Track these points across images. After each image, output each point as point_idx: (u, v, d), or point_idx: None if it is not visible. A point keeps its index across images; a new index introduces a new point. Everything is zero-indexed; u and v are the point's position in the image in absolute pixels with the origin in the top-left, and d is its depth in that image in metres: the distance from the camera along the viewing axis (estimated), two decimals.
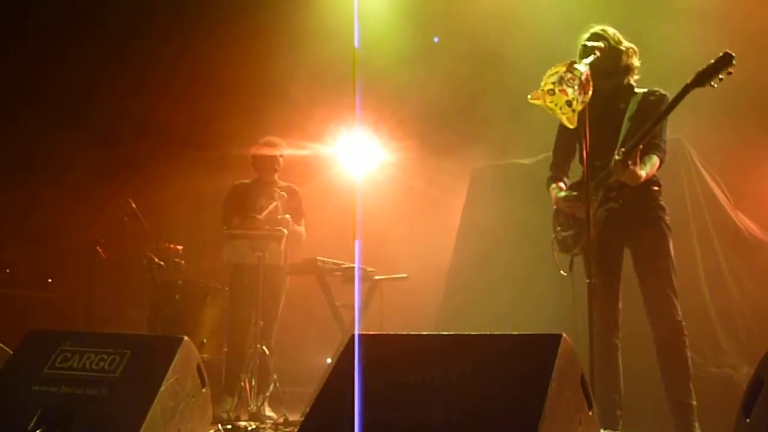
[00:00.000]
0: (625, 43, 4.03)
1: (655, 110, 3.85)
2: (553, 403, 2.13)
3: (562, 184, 4.23)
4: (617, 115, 3.99)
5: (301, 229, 5.94)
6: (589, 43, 3.84)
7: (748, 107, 5.66)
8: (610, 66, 3.97)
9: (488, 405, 2.22)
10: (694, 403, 3.71)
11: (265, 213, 5.66)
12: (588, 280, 3.54)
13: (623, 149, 3.70)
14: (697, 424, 3.67)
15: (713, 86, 3.55)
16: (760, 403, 2.16)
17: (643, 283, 3.90)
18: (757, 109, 5.70)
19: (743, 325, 5.22)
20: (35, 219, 7.46)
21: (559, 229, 4.14)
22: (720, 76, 3.53)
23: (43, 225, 7.47)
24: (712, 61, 3.53)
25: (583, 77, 3.55)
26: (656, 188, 3.98)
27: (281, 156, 6.06)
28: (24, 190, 7.43)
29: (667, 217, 3.95)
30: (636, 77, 4.08)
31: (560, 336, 2.26)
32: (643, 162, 3.80)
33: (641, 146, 3.71)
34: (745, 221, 5.65)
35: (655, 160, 3.88)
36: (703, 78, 3.56)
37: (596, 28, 4.03)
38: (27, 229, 7.52)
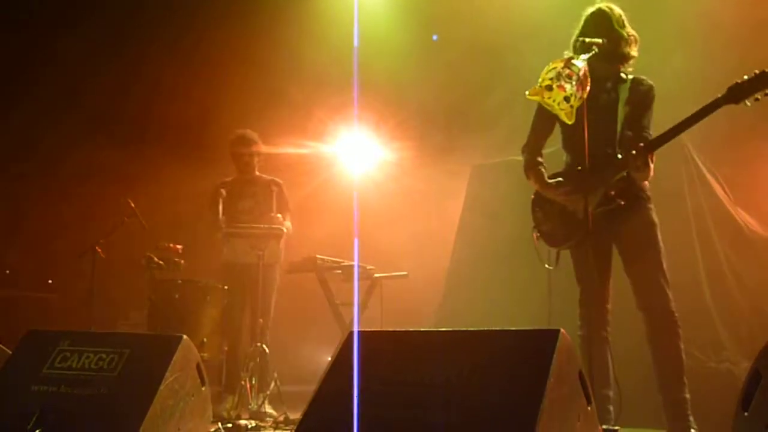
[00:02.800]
0: (628, 30, 3.88)
1: (646, 100, 3.81)
2: (552, 398, 2.12)
3: (544, 171, 4.05)
4: (610, 103, 3.87)
5: (288, 224, 5.92)
6: (588, 39, 3.78)
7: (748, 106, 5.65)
8: (607, 51, 3.79)
9: (486, 401, 2.22)
10: (688, 396, 3.59)
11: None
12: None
13: (642, 144, 3.58)
14: (692, 418, 3.57)
15: (747, 104, 3.38)
16: (758, 397, 2.16)
17: (631, 273, 3.78)
18: (756, 104, 5.67)
19: (743, 321, 5.22)
20: (35, 220, 7.47)
21: (541, 217, 3.98)
22: (756, 96, 3.35)
23: (42, 226, 7.47)
24: (746, 77, 3.36)
25: (581, 73, 3.53)
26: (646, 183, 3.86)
27: (257, 152, 6.03)
28: (23, 191, 7.43)
29: (651, 206, 3.83)
30: (629, 68, 3.94)
31: (558, 331, 2.25)
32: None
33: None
34: (744, 217, 5.64)
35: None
36: (737, 94, 3.38)
37: (602, 5, 3.89)
38: (27, 230, 7.52)
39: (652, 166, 3.60)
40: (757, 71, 3.35)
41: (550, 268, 3.52)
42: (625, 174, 3.72)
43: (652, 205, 3.85)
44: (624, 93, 3.87)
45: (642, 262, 3.76)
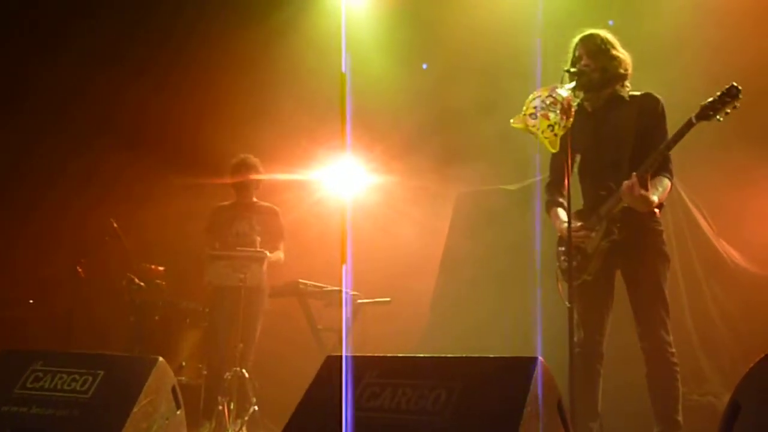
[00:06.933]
0: (617, 51, 3.85)
1: (653, 116, 3.75)
2: (528, 427, 2.09)
3: (561, 210, 3.96)
4: (614, 131, 3.84)
5: (280, 253, 5.90)
6: (573, 69, 3.80)
7: (732, 135, 5.68)
8: (598, 77, 3.82)
9: (464, 429, 2.18)
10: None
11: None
12: (568, 305, 3.47)
13: (635, 174, 3.54)
14: None
15: (719, 120, 3.43)
16: (738, 429, 2.13)
17: (637, 312, 3.76)
18: (741, 137, 5.71)
19: (726, 354, 5.20)
20: (14, 238, 7.37)
21: (563, 258, 3.92)
22: (727, 110, 3.42)
23: (23, 245, 7.38)
24: (718, 94, 3.42)
25: (565, 102, 3.55)
26: (656, 211, 3.77)
27: (258, 177, 6.04)
28: (2, 210, 7.33)
29: (665, 246, 3.79)
30: (628, 86, 3.90)
31: (536, 359, 2.23)
32: (654, 186, 3.63)
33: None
34: (728, 250, 5.65)
35: (666, 183, 3.71)
36: (708, 111, 3.44)
37: (587, 32, 3.89)
38: (6, 249, 7.41)
39: (648, 194, 3.54)
40: (726, 87, 3.42)
41: (569, 305, 3.45)
42: (625, 205, 3.67)
43: (663, 237, 3.80)
44: (629, 115, 3.81)
45: (646, 305, 3.73)
